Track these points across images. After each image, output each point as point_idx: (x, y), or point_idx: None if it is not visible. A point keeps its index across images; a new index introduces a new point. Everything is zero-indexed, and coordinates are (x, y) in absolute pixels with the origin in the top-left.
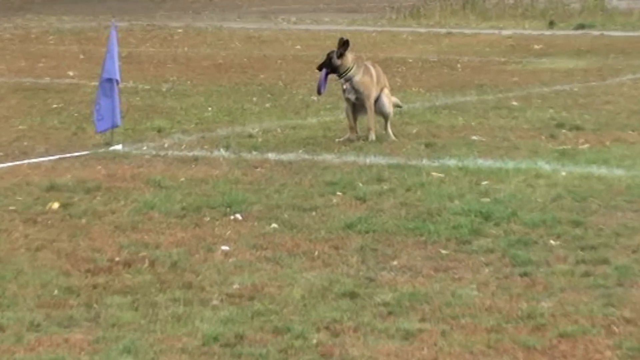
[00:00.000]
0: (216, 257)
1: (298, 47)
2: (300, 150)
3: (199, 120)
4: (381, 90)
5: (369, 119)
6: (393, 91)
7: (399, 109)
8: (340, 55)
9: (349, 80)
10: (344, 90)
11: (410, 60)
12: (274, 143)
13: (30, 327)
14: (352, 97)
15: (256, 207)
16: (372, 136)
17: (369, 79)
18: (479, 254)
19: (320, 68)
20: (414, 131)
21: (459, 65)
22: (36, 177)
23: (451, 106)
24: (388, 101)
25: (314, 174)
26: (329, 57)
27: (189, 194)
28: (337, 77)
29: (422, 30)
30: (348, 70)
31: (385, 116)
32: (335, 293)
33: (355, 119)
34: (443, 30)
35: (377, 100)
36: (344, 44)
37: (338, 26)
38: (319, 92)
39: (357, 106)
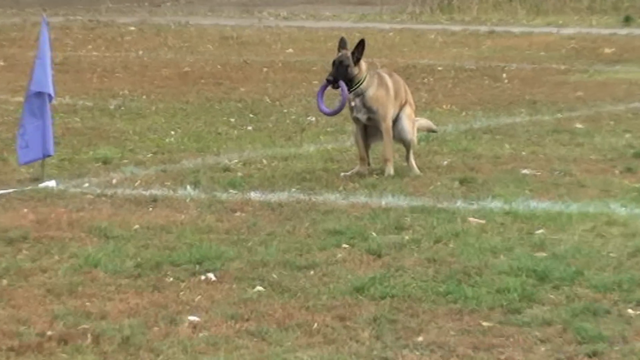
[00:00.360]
0: (182, 331)
1: (290, 50)
2: (294, 189)
3: (158, 149)
4: (401, 107)
5: (386, 146)
6: (418, 110)
7: (432, 134)
8: (357, 61)
9: (360, 95)
10: (351, 109)
11: (440, 69)
12: (259, 179)
13: None
14: (362, 117)
15: (235, 264)
16: (390, 169)
17: (385, 93)
18: (532, 327)
19: (334, 81)
20: (445, 163)
21: (504, 75)
22: None
23: (494, 130)
24: (410, 123)
25: (312, 220)
26: (344, 65)
27: (145, 246)
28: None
29: (456, 28)
30: (360, 82)
31: (406, 144)
32: None
33: (367, 147)
34: (483, 29)
35: (396, 121)
36: (360, 46)
37: (343, 23)
38: (321, 111)
39: (369, 129)
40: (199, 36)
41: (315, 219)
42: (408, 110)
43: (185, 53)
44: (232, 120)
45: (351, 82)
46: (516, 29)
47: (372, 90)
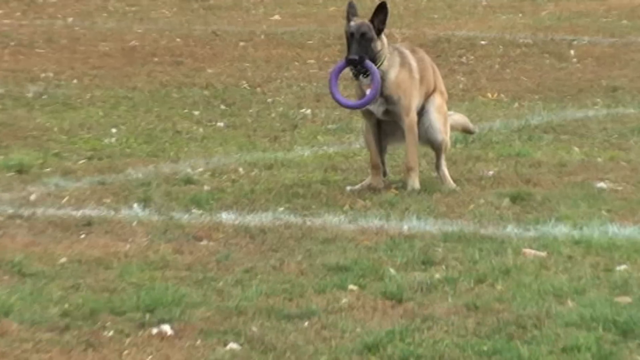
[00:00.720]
0: None
1: (276, 17)
2: (282, 208)
3: (93, 153)
4: (428, 96)
5: (409, 150)
6: (451, 100)
7: (469, 135)
8: (379, 32)
9: (375, 79)
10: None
11: (484, 43)
12: (233, 194)
13: None
14: (378, 109)
15: (200, 313)
16: (414, 182)
17: (409, 76)
18: None
19: (360, 60)
20: (491, 173)
21: (572, 53)
22: None
23: (559, 127)
24: (441, 118)
25: (306, 251)
26: (368, 38)
27: (75, 287)
28: (353, 74)
29: None
30: (381, 61)
31: (436, 146)
32: None
33: (382, 151)
34: None
35: (422, 116)
36: (381, 13)
37: None
38: (341, 103)
39: (385, 127)
40: None
41: (311, 250)
42: (438, 101)
43: (131, 21)
44: (197, 113)
45: (374, 62)
46: None
47: (393, 73)
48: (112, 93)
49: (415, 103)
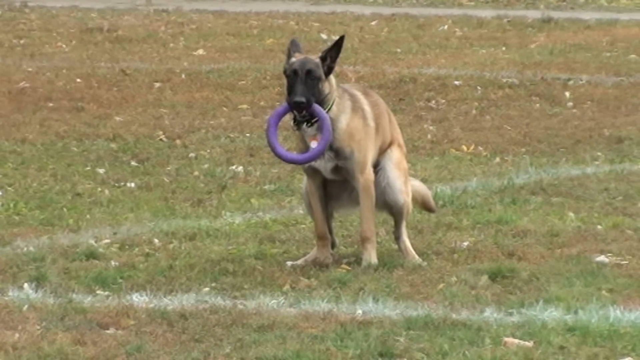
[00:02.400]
0: None
1: (200, 52)
2: (207, 288)
3: None
4: (384, 150)
5: (364, 215)
6: (418, 155)
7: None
8: (329, 71)
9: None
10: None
11: (458, 83)
12: (147, 272)
13: None
14: (326, 166)
15: None
16: (371, 256)
17: (363, 123)
18: None
19: (306, 104)
20: (466, 244)
21: (567, 95)
22: None
23: (550, 187)
24: (401, 176)
25: (237, 340)
26: (315, 76)
27: None
28: (293, 122)
29: (485, 13)
30: (329, 106)
31: (396, 210)
32: None
33: (328, 217)
34: (532, 14)
35: (377, 173)
36: (336, 48)
37: (290, 4)
38: (282, 157)
39: (332, 188)
40: (45, 27)
41: (243, 340)
42: (396, 155)
43: (20, 57)
44: (102, 171)
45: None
46: (588, 15)
47: (344, 120)
48: None
49: (370, 157)
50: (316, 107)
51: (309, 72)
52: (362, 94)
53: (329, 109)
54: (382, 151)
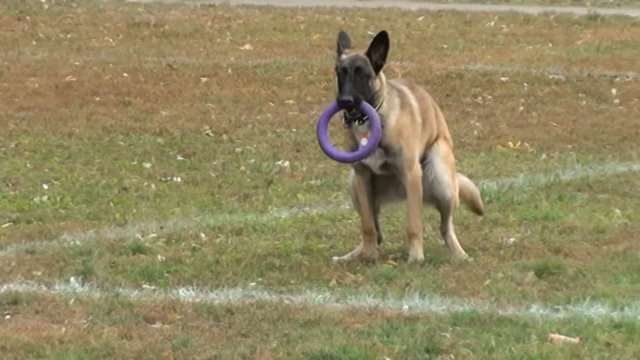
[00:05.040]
0: None
1: (247, 47)
2: (253, 283)
3: (20, 214)
4: (431, 144)
5: (412, 211)
6: (464, 151)
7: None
8: (378, 68)
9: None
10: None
11: (504, 79)
12: (193, 266)
13: None
14: (376, 162)
15: None
16: (417, 251)
17: (411, 120)
18: None
19: (355, 102)
20: (512, 240)
21: (614, 92)
22: None
23: (596, 184)
24: (449, 170)
25: (283, 336)
26: (364, 74)
27: None
28: (344, 120)
29: (532, 10)
30: (380, 103)
31: (444, 205)
32: None
33: (375, 211)
34: (578, 12)
35: (425, 167)
36: (381, 44)
37: (335, 0)
38: (333, 155)
39: (379, 183)
40: (92, 22)
41: (290, 335)
42: (443, 148)
43: (67, 51)
44: (148, 166)
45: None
46: (634, 12)
47: (393, 117)
48: (44, 140)
49: (418, 153)
50: (366, 105)
51: (357, 69)
52: (409, 89)
53: (380, 106)
54: (429, 145)
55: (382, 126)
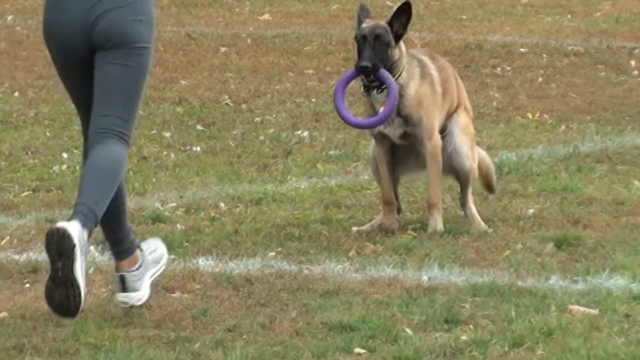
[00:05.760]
0: None
1: (265, 16)
2: (272, 253)
3: (40, 183)
4: (451, 114)
5: (431, 181)
6: (484, 122)
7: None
8: (399, 38)
9: (391, 94)
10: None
11: (523, 50)
12: (212, 236)
13: None
14: (395, 132)
15: None
16: (437, 222)
17: (431, 90)
18: None
19: (372, 69)
20: (531, 212)
21: (633, 64)
22: None
23: (615, 156)
24: (468, 141)
25: (302, 306)
26: (384, 42)
27: (17, 349)
28: (363, 88)
29: None
30: (399, 72)
31: (463, 176)
32: None
33: (395, 182)
34: None
35: (444, 138)
36: (404, 14)
37: None
38: (349, 121)
39: (399, 153)
40: None
41: (309, 305)
42: (463, 119)
43: None
44: (167, 135)
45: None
46: None
47: (413, 87)
48: (63, 109)
49: (438, 123)
50: (384, 72)
51: (377, 37)
52: (430, 59)
53: (399, 75)
54: (450, 115)
55: (401, 95)
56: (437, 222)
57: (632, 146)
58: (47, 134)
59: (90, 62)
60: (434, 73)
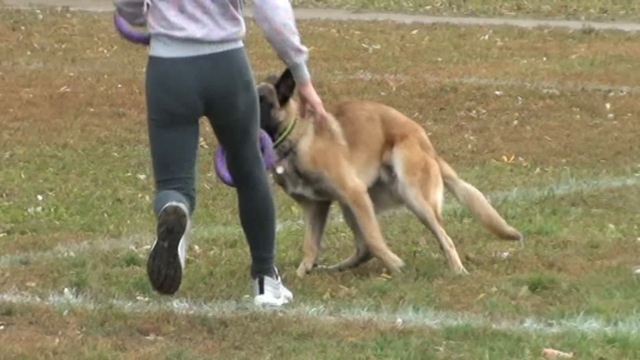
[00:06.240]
0: None
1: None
2: (247, 295)
3: (14, 225)
4: (390, 149)
5: (362, 227)
6: (458, 165)
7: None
8: (284, 100)
9: (288, 152)
10: (281, 181)
11: (498, 93)
12: (187, 278)
13: None
14: (304, 191)
15: None
16: (389, 262)
17: (326, 144)
18: None
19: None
20: (506, 255)
21: (608, 107)
22: None
23: (590, 199)
24: (414, 174)
25: (277, 348)
26: (266, 103)
27: None
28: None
29: (527, 24)
30: (287, 130)
31: (419, 218)
32: None
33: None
34: (573, 25)
35: (393, 180)
36: (288, 78)
37: (332, 12)
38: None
39: (371, 193)
40: (87, 32)
41: (283, 348)
42: (404, 151)
43: (61, 62)
44: (142, 177)
45: (274, 133)
46: (629, 26)
47: (305, 144)
48: (38, 151)
49: (351, 171)
50: (261, 132)
51: (261, 99)
52: (335, 114)
53: (288, 134)
54: (382, 154)
55: (295, 153)
56: (389, 262)
57: (607, 189)
58: (22, 175)
59: None
60: (335, 128)
